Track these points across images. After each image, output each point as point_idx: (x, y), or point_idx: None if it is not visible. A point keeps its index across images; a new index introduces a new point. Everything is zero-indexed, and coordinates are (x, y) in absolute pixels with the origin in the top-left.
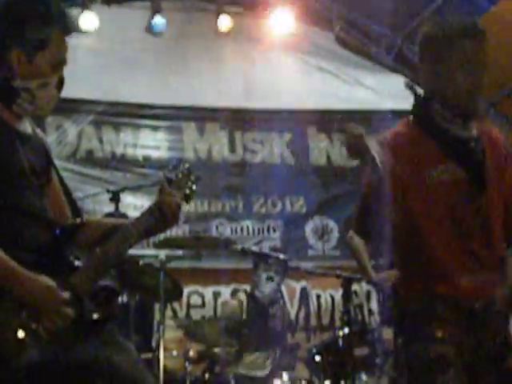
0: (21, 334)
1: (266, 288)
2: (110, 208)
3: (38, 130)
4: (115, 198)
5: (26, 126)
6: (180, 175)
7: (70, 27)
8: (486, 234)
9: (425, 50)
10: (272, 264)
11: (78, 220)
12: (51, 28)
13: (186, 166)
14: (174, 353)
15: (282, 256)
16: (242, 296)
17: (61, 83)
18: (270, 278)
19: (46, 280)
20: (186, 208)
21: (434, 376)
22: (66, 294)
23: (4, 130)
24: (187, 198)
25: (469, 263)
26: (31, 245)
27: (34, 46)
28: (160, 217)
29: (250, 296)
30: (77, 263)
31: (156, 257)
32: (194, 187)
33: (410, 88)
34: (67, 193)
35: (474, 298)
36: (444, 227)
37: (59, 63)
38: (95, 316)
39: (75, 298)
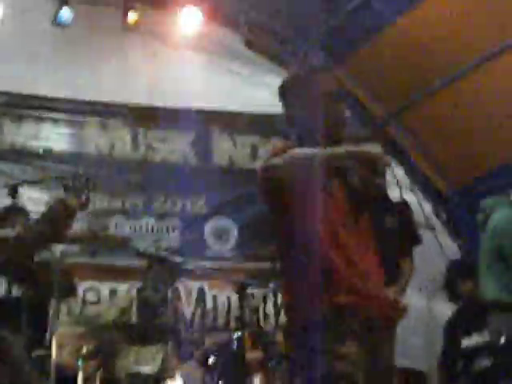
0: None
1: (152, 295)
2: (8, 202)
3: None
4: (13, 192)
5: None
6: (78, 184)
7: None
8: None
9: None
10: (164, 269)
11: None
12: None
13: (83, 175)
14: (67, 349)
15: (177, 259)
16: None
17: None
18: (154, 289)
19: None
20: None
21: None
22: None
23: None
24: (82, 206)
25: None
26: None
27: None
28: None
29: (139, 295)
30: None
31: (51, 252)
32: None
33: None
34: None
35: (379, 309)
36: (340, 244)
37: None
38: None
39: None
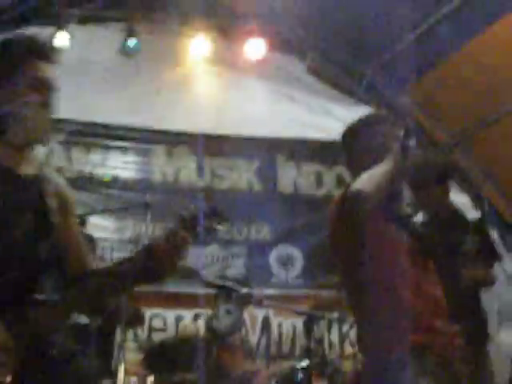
0: None
1: (224, 320)
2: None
3: (49, 173)
4: (82, 222)
5: (27, 167)
6: (192, 215)
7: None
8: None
9: None
10: (233, 296)
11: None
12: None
13: (211, 205)
14: (133, 379)
15: (244, 290)
16: (202, 324)
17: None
18: (228, 312)
19: None
20: (151, 231)
21: None
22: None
23: None
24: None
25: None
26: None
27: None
28: (158, 257)
29: (208, 324)
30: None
31: None
32: (219, 227)
33: None
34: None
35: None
36: (410, 285)
37: (38, 82)
38: (54, 352)
39: (32, 332)
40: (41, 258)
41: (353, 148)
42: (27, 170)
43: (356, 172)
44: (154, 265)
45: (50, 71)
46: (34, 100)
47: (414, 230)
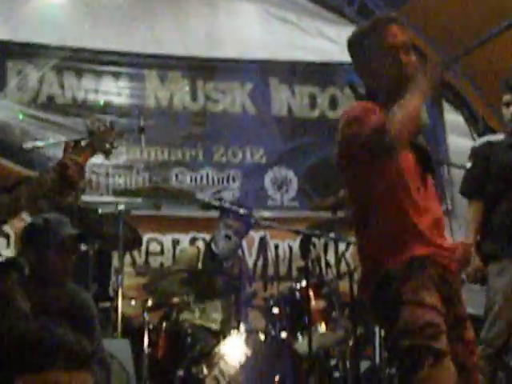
0: None
1: (223, 244)
2: None
3: None
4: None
5: None
6: (102, 128)
7: None
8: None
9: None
10: (236, 220)
11: None
12: None
13: (109, 121)
14: (132, 302)
15: (242, 210)
16: (201, 244)
17: None
18: (227, 237)
19: None
20: (146, 156)
21: (428, 342)
22: None
23: None
24: (107, 153)
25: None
26: None
27: None
28: (62, 176)
29: (208, 248)
30: None
31: (115, 205)
32: (116, 144)
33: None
34: None
35: (451, 261)
36: (413, 199)
37: None
38: None
39: None
40: None
41: (360, 51)
42: None
43: (364, 77)
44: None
45: None
46: None
47: (418, 142)
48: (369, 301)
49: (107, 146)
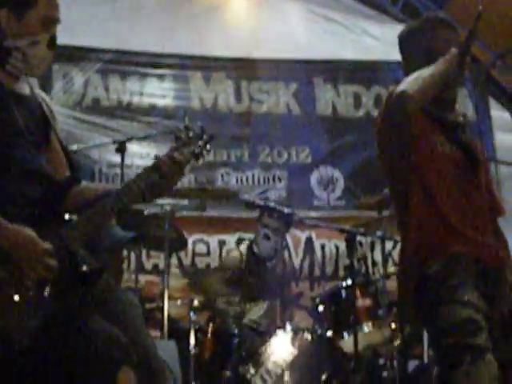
0: (16, 297)
1: (263, 245)
2: (116, 158)
3: (38, 91)
4: (121, 148)
5: (23, 87)
6: (191, 134)
7: None
8: (489, 209)
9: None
10: (274, 219)
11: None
12: None
13: (199, 125)
14: (178, 303)
15: (286, 210)
16: (244, 249)
17: (53, 42)
18: (267, 236)
19: (27, 231)
20: None
21: (466, 339)
22: (47, 245)
23: None
24: (196, 157)
25: (480, 232)
26: (22, 198)
27: (21, 3)
28: (164, 173)
29: (249, 249)
30: (69, 217)
31: (161, 207)
32: (208, 146)
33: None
34: (66, 154)
35: (493, 258)
36: (453, 197)
37: (50, 21)
38: (85, 268)
39: (64, 249)
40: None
41: (409, 51)
42: (24, 89)
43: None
44: (159, 179)
45: (58, 8)
46: (43, 40)
47: (463, 139)
48: (409, 300)
49: (196, 150)
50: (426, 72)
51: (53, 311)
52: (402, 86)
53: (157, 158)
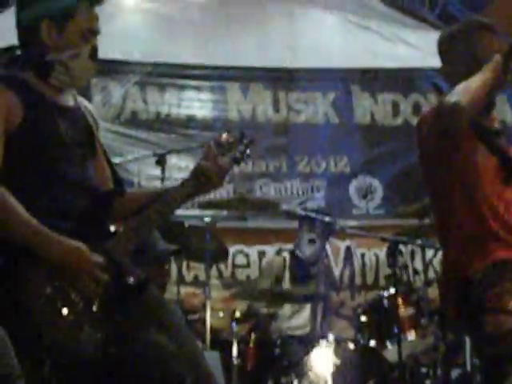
0: (65, 311)
1: (307, 249)
2: (156, 170)
3: (81, 99)
4: (161, 161)
5: (68, 99)
6: (231, 139)
7: None
8: None
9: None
10: (316, 226)
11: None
12: None
13: (240, 131)
14: (220, 314)
15: (326, 218)
16: (287, 255)
17: (94, 53)
18: (311, 241)
19: (78, 244)
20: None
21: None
22: (98, 257)
23: (43, 104)
24: (237, 161)
25: None
26: (68, 212)
27: (61, 16)
28: (204, 180)
29: (292, 255)
30: (114, 229)
31: (201, 218)
32: (248, 151)
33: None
34: (110, 165)
35: None
36: (493, 204)
37: (90, 33)
38: (131, 280)
39: (111, 262)
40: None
41: (450, 56)
42: (68, 101)
43: (453, 82)
44: (203, 181)
45: (98, 19)
46: (85, 52)
47: (500, 145)
48: (452, 308)
49: (237, 154)
50: (475, 81)
51: (115, 324)
52: (454, 97)
53: (200, 163)
